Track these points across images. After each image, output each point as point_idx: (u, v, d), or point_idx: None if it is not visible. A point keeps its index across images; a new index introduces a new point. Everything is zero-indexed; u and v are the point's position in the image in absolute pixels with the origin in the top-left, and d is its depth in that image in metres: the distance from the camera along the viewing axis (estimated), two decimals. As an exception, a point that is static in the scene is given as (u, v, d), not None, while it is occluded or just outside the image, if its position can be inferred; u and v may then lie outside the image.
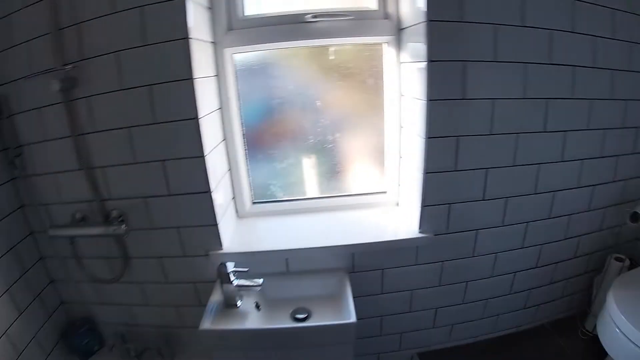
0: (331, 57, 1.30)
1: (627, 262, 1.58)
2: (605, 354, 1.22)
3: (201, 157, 1.10)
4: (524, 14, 1.10)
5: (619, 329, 1.13)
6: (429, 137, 1.11)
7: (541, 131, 1.23)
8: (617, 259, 1.60)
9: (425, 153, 1.12)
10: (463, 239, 1.27)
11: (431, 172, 1.14)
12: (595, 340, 1.63)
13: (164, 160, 1.12)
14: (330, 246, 1.18)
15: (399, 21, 1.25)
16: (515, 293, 1.53)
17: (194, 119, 1.06)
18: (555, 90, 1.21)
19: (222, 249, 1.21)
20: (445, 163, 1.15)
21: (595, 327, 1.64)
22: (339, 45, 1.28)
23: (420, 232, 1.20)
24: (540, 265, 1.50)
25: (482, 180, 1.20)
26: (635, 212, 1.49)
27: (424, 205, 1.16)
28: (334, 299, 1.19)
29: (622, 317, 1.12)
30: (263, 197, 1.41)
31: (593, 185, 1.45)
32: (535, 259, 1.47)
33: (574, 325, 1.80)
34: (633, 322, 1.09)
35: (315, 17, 1.20)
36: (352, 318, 1.04)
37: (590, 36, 1.21)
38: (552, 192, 1.35)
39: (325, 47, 1.29)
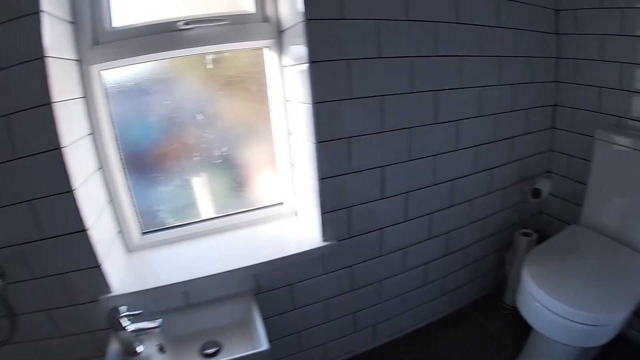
0: (209, 67, 1.30)
1: (535, 236, 1.78)
2: (528, 325, 1.36)
3: (69, 192, 1.03)
4: (407, 8, 1.20)
5: (538, 302, 1.28)
6: (318, 142, 1.16)
7: (433, 123, 1.35)
8: (524, 234, 1.80)
9: (317, 158, 1.17)
10: (368, 240, 1.35)
11: (326, 178, 1.19)
12: (516, 313, 1.81)
13: (31, 200, 1.04)
14: (231, 270, 1.19)
15: (278, 23, 1.28)
16: (430, 283, 1.66)
17: (56, 149, 0.99)
18: (444, 81, 1.35)
19: (111, 292, 1.16)
20: (339, 166, 1.21)
21: (514, 300, 1.83)
22: (217, 53, 1.29)
23: (323, 241, 1.25)
24: (450, 252, 1.64)
25: (379, 179, 1.28)
26: (536, 188, 1.67)
27: (323, 213, 1.22)
28: (243, 326, 1.21)
29: (540, 290, 1.26)
30: (153, 226, 1.38)
31: (490, 168, 1.62)
32: (445, 247, 1.61)
33: (494, 302, 1.98)
34: (551, 294, 1.24)
35: (188, 24, 1.19)
36: (264, 345, 1.07)
37: (476, 26, 1.36)
38: (451, 181, 1.48)
39: (203, 56, 1.28)
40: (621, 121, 1.64)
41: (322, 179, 1.19)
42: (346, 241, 1.30)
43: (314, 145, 1.17)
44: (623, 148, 1.52)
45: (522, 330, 1.78)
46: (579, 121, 1.79)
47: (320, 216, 1.22)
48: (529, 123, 1.73)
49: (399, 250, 1.46)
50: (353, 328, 1.54)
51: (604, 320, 1.19)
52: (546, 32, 1.70)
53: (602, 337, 1.23)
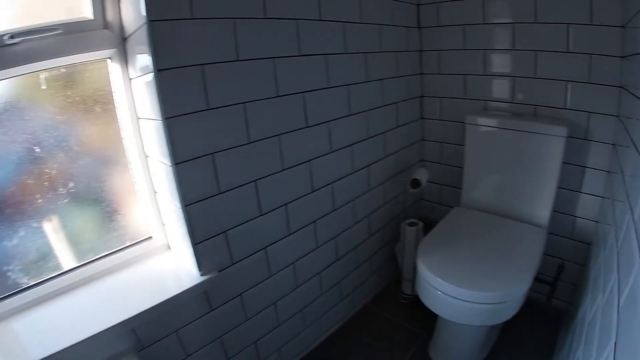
0: (43, 87, 1.08)
1: (420, 224, 1.85)
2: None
3: None
4: (265, 5, 1.12)
5: (440, 291, 1.30)
6: (176, 163, 1.02)
7: (304, 127, 1.30)
8: (410, 224, 1.85)
9: (178, 182, 1.03)
10: (253, 262, 1.26)
11: (192, 204, 1.06)
12: (417, 300, 1.87)
13: None
14: (103, 331, 0.99)
15: (122, 30, 1.10)
16: (327, 291, 1.63)
17: None
18: (311, 82, 1.31)
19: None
20: (205, 188, 1.08)
21: (412, 288, 1.88)
22: (52, 69, 1.07)
23: (201, 275, 1.11)
24: (341, 256, 1.62)
25: (253, 195, 1.19)
26: (415, 179, 1.73)
27: (196, 244, 1.09)
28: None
29: (439, 279, 1.28)
30: (3, 291, 1.10)
31: (368, 165, 1.64)
32: (335, 252, 1.58)
33: (393, 294, 2.03)
34: (451, 281, 1.26)
35: (13, 37, 0.96)
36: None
37: (339, 22, 1.36)
38: (331, 184, 1.46)
39: (38, 75, 1.05)
40: (487, 104, 1.80)
41: (187, 205, 1.05)
42: (229, 269, 1.18)
43: (172, 167, 1.01)
44: (489, 128, 1.66)
45: (427, 315, 1.85)
46: (446, 109, 1.92)
47: (192, 248, 1.08)
48: (399, 116, 1.80)
49: (288, 266, 1.39)
50: (257, 358, 1.43)
51: (510, 296, 1.25)
52: (409, 27, 1.78)
53: (510, 311, 1.29)
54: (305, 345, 1.67)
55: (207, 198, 1.08)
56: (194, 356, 1.21)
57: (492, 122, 1.67)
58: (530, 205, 1.66)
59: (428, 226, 1.92)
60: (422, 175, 1.77)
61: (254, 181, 1.18)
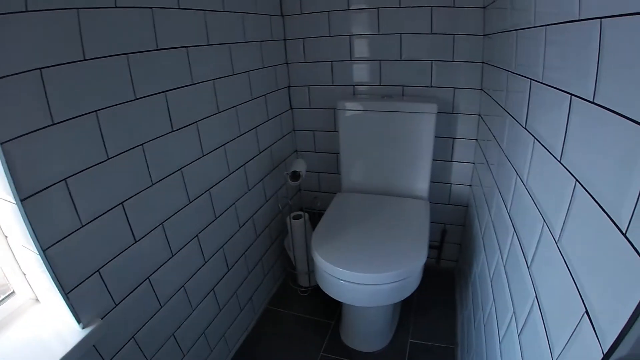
0: None
1: (306, 215, 1.86)
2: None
3: None
4: None
5: (342, 280, 1.32)
6: (23, 199, 0.82)
7: (169, 132, 1.18)
8: (295, 217, 1.85)
9: (29, 222, 0.84)
10: (139, 297, 1.11)
11: (51, 245, 0.88)
12: (315, 290, 1.90)
13: None
14: None
15: None
16: (225, 306, 1.56)
17: None
18: (172, 80, 1.18)
19: None
20: (65, 223, 0.90)
21: (308, 280, 1.90)
22: None
23: (84, 328, 0.94)
24: (231, 266, 1.56)
25: (122, 220, 1.05)
26: (294, 171, 1.73)
27: (68, 292, 0.91)
28: None
29: (339, 269, 1.30)
30: None
31: (243, 164, 1.60)
32: (224, 263, 1.51)
33: (291, 289, 2.03)
34: (351, 268, 1.29)
35: None
36: None
37: (199, 11, 1.26)
38: (208, 191, 1.37)
39: None
40: (356, 89, 1.90)
41: (46, 248, 0.87)
42: (113, 313, 1.02)
43: (18, 204, 0.83)
44: (361, 112, 1.75)
45: (330, 302, 1.89)
46: (316, 97, 1.97)
47: (64, 298, 0.91)
48: (269, 109, 1.79)
49: (179, 290, 1.27)
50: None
51: (411, 271, 1.32)
52: (272, 15, 1.76)
53: (413, 285, 1.38)
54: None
55: (68, 235, 0.91)
56: None
57: (362, 106, 1.75)
58: (410, 180, 1.80)
59: (314, 216, 1.96)
60: (300, 166, 1.79)
61: (120, 204, 1.03)
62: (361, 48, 1.83)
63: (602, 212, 0.50)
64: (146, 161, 1.10)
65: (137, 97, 1.05)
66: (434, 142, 1.70)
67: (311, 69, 1.95)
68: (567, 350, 0.56)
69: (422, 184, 1.78)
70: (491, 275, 1.18)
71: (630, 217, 0.44)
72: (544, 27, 0.82)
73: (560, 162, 0.68)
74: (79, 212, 0.92)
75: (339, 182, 1.93)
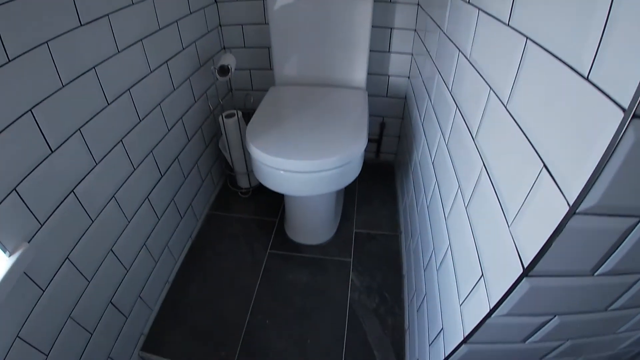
0: None
1: (239, 113, 1.79)
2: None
3: None
4: None
5: (280, 170, 1.30)
6: None
7: (77, 26, 1.00)
8: (228, 116, 1.78)
9: None
10: (66, 213, 1.02)
11: None
12: (255, 191, 1.91)
13: None
14: None
15: None
16: (163, 214, 1.52)
17: None
18: None
19: None
20: None
21: (248, 181, 1.89)
22: None
23: (10, 255, 0.86)
24: (164, 172, 1.49)
25: (34, 129, 0.91)
26: (222, 66, 1.61)
27: None
28: None
29: (278, 158, 1.27)
30: None
31: (166, 61, 1.46)
32: (155, 169, 1.44)
33: (231, 192, 2.02)
34: (289, 156, 1.27)
35: None
36: None
37: None
38: (128, 91, 1.24)
39: None
40: None
41: None
42: (40, 234, 0.91)
43: None
44: (288, 0, 1.61)
45: (271, 200, 1.92)
46: None
47: None
48: (190, 1, 1.59)
49: (109, 201, 1.18)
50: (123, 317, 1.30)
51: (352, 156, 1.31)
52: None
53: (354, 171, 1.38)
54: (163, 280, 1.56)
55: None
56: (53, 351, 1.01)
57: None
58: (347, 71, 1.73)
59: (246, 114, 1.88)
60: (228, 60, 1.65)
61: (29, 110, 0.90)
62: None
63: (559, 62, 0.51)
64: (54, 61, 0.95)
65: None
66: (371, 32, 1.63)
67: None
68: (524, 211, 0.58)
69: (359, 74, 1.73)
70: (433, 158, 1.23)
71: (592, 61, 0.44)
72: None
73: (509, 25, 0.69)
74: None
75: (272, 78, 1.83)
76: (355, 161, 1.34)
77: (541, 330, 0.69)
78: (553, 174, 0.50)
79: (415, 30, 1.76)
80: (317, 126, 1.44)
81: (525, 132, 0.59)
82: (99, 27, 1.09)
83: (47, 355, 0.99)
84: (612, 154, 0.40)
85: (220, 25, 1.92)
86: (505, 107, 0.68)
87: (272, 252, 1.72)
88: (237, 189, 2.04)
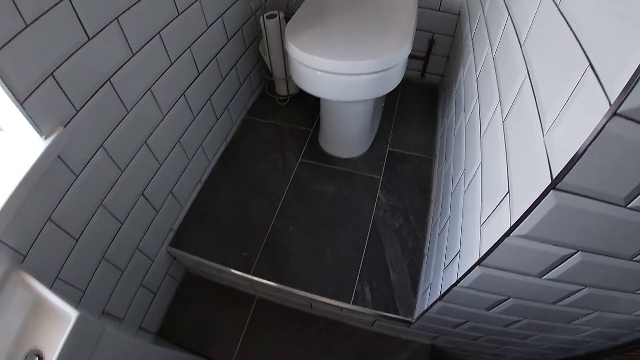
0: None
1: (281, 14, 1.73)
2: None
3: None
4: None
5: (318, 70, 1.27)
6: None
7: None
8: (270, 17, 1.72)
9: None
10: (102, 101, 1.05)
11: None
12: (294, 99, 1.90)
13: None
14: None
15: None
16: (199, 113, 1.55)
17: None
18: None
19: None
20: (8, 24, 0.79)
21: (287, 88, 1.88)
22: None
23: (46, 139, 0.90)
24: (201, 70, 1.49)
25: (71, 14, 0.91)
26: None
27: (22, 102, 0.82)
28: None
29: (315, 57, 1.25)
30: None
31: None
32: (193, 66, 1.44)
33: (270, 99, 2.03)
34: (327, 56, 1.24)
35: None
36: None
37: None
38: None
39: None
40: None
41: None
42: (75, 119, 0.95)
43: None
44: None
45: (309, 110, 1.91)
46: None
47: (21, 108, 0.82)
48: None
49: (145, 94, 1.19)
50: (153, 210, 1.38)
51: (392, 61, 1.26)
52: None
53: (395, 79, 1.34)
54: (195, 179, 1.63)
55: (13, 38, 0.80)
56: (83, 237, 1.09)
57: None
58: None
59: (289, 17, 1.81)
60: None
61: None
62: None
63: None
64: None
65: None
66: None
67: None
68: (562, 117, 0.55)
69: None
70: (478, 74, 1.17)
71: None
72: None
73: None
74: (20, 10, 0.80)
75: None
76: (396, 68, 1.29)
77: (560, 266, 0.68)
78: (598, 73, 0.47)
79: None
80: (360, 28, 1.38)
81: (574, 30, 0.56)
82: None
83: (77, 240, 1.07)
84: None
85: None
86: (557, 6, 0.64)
87: (303, 161, 1.74)
88: (275, 96, 2.03)
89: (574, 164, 0.48)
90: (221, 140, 1.78)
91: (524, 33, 0.80)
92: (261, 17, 1.70)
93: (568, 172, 0.50)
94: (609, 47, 0.46)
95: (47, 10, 0.85)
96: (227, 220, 1.56)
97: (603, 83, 0.45)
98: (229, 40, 1.64)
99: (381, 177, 1.68)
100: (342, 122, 1.63)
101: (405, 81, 1.46)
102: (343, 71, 1.24)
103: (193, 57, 1.41)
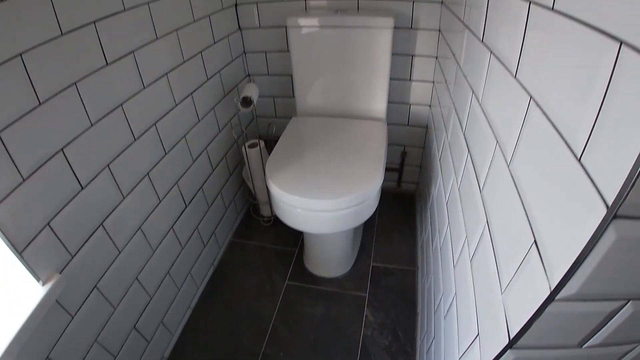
0: None
1: (262, 143, 1.86)
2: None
3: None
4: None
5: (297, 207, 1.36)
6: None
7: (103, 66, 1.09)
8: (251, 146, 1.85)
9: None
10: (95, 245, 1.10)
11: None
12: (277, 220, 1.96)
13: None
14: None
15: None
16: (187, 243, 1.60)
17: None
18: (103, 8, 1.06)
19: None
20: (7, 180, 0.85)
21: (269, 210, 1.95)
22: None
23: (44, 285, 0.93)
24: (189, 202, 1.58)
25: (65, 167, 1.00)
26: (245, 97, 1.69)
27: (21, 251, 0.87)
28: None
29: (294, 197, 1.33)
30: None
31: (191, 93, 1.54)
32: (181, 200, 1.53)
33: (254, 220, 2.09)
34: (305, 195, 1.32)
35: None
36: None
37: None
38: (154, 125, 1.33)
39: None
40: (308, 3, 1.79)
41: None
42: (71, 265, 1.01)
43: None
44: (313, 29, 1.67)
45: (293, 231, 1.96)
46: (265, 15, 1.86)
47: (19, 257, 0.89)
48: (214, 31, 1.68)
49: (136, 233, 1.27)
50: (145, 342, 1.38)
51: (367, 194, 1.36)
52: None
53: (371, 208, 1.43)
54: (185, 306, 1.64)
55: (11, 192, 0.87)
56: None
57: (314, 21, 1.66)
58: (367, 101, 1.80)
59: (269, 142, 1.96)
60: (251, 91, 1.73)
61: (60, 150, 0.98)
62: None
63: (556, 133, 0.50)
64: (82, 101, 1.03)
65: (65, 32, 0.96)
66: (392, 60, 1.68)
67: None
68: (514, 282, 0.59)
69: (379, 105, 1.79)
70: (447, 199, 1.25)
71: (586, 141, 0.43)
72: None
73: (515, 77, 0.68)
74: (18, 166, 0.89)
75: (294, 106, 1.91)
76: (370, 199, 1.39)
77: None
78: (541, 253, 0.51)
79: (436, 57, 1.81)
80: (335, 162, 1.50)
81: (522, 199, 0.60)
82: (125, 65, 1.19)
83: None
84: (591, 249, 0.40)
85: (244, 53, 2.01)
86: (508, 166, 0.67)
87: (290, 283, 1.78)
88: (259, 217, 2.11)
89: (526, 330, 0.53)
90: (209, 264, 1.82)
91: (482, 179, 0.84)
92: (243, 147, 1.84)
93: (522, 336, 0.54)
94: (550, 230, 0.49)
95: (43, 164, 0.94)
96: (218, 347, 1.55)
97: (545, 266, 0.49)
98: (213, 170, 1.75)
99: (367, 295, 1.71)
100: (325, 246, 1.70)
101: (383, 192, 1.55)
102: (322, 208, 1.33)
103: (180, 192, 1.50)
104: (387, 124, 1.83)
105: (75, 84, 1.01)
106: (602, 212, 0.38)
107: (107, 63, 1.11)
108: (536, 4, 0.60)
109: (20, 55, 0.85)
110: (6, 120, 0.84)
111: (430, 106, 1.94)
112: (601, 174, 0.40)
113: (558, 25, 0.52)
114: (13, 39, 0.84)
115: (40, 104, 0.92)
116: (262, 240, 2.01)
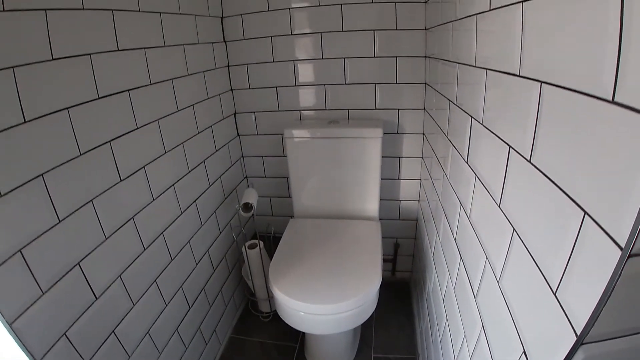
0: None
1: (261, 244, 1.96)
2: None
3: None
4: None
5: (301, 312, 1.43)
6: None
7: (117, 182, 1.22)
8: (250, 247, 1.95)
9: None
10: (107, 352, 1.18)
11: (17, 318, 0.91)
12: (277, 315, 2.01)
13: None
14: None
15: None
16: (190, 343, 1.66)
17: None
18: (116, 127, 1.20)
19: None
20: (26, 293, 0.93)
21: (269, 305, 2.01)
22: None
23: None
24: (192, 303, 1.65)
25: (82, 280, 1.11)
26: (245, 203, 1.81)
27: None
28: None
29: (299, 302, 1.41)
30: None
31: (194, 200, 1.67)
32: (185, 303, 1.60)
33: (253, 317, 2.13)
34: (310, 301, 1.41)
35: None
36: None
37: (139, 50, 1.21)
38: (161, 235, 1.44)
39: None
40: (302, 114, 2.01)
41: (12, 322, 0.91)
42: None
43: None
44: (304, 139, 1.84)
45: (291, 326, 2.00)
46: (262, 123, 2.07)
47: None
48: (216, 139, 1.86)
49: (144, 337, 1.34)
50: None
51: (368, 296, 1.45)
52: (215, 42, 1.83)
53: (371, 307, 1.51)
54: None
55: (31, 305, 0.97)
56: None
57: (308, 133, 1.85)
58: (360, 202, 1.95)
59: (268, 240, 2.06)
60: (251, 197, 1.87)
61: (78, 263, 1.09)
62: (306, 73, 1.95)
63: (536, 267, 0.55)
64: (98, 216, 1.15)
65: (83, 152, 1.08)
66: (382, 163, 1.85)
67: (256, 95, 2.04)
68: None
69: (372, 205, 1.93)
70: (443, 295, 1.32)
71: (560, 277, 0.49)
72: (485, 70, 0.86)
73: (499, 207, 0.74)
74: (38, 280, 0.98)
75: (291, 205, 2.04)
76: (370, 300, 1.48)
77: None
78: None
79: (422, 157, 2.00)
80: (334, 266, 1.60)
81: (512, 313, 0.65)
82: (137, 179, 1.31)
83: None
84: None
85: (242, 157, 2.20)
86: (498, 283, 0.73)
87: (292, 381, 1.79)
88: (258, 313, 2.16)
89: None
90: (210, 363, 1.85)
91: (476, 286, 0.89)
92: (243, 247, 1.94)
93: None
94: (538, 344, 0.53)
95: (61, 278, 1.03)
96: None
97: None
98: (214, 270, 1.84)
99: (370, 388, 1.73)
100: (327, 343, 1.76)
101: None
102: (324, 312, 1.42)
103: (184, 295, 1.59)
104: (380, 220, 1.97)
105: (92, 200, 1.13)
106: (572, 338, 0.47)
107: (120, 179, 1.24)
108: (516, 151, 0.67)
109: (42, 175, 0.96)
110: (28, 238, 0.94)
111: (419, 201, 2.09)
112: (572, 308, 0.47)
113: (534, 179, 0.58)
114: (37, 160, 0.95)
115: (60, 221, 1.03)
116: (262, 336, 2.05)
